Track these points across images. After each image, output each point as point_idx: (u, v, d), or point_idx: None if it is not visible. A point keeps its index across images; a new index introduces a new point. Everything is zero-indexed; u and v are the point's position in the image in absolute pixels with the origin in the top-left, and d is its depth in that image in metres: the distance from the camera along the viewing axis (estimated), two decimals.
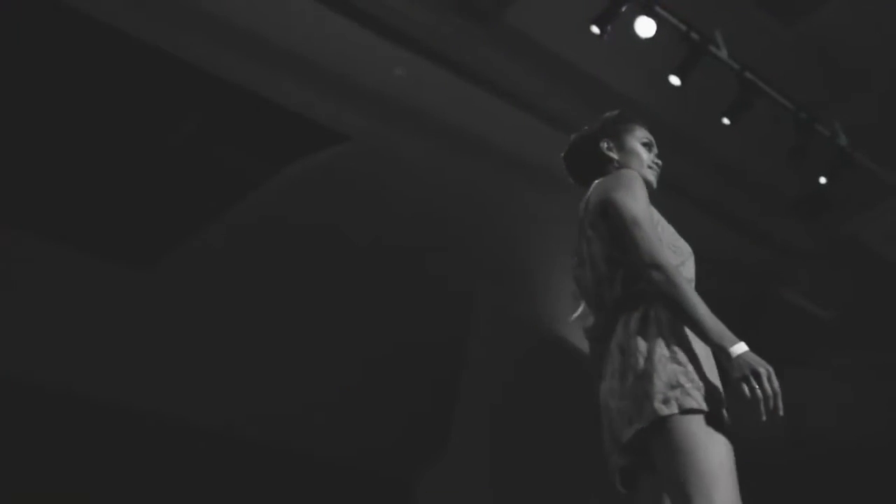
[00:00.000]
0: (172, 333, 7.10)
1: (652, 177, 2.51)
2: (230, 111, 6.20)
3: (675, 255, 2.29)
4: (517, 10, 5.67)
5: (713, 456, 1.99)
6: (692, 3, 5.48)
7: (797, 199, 6.73)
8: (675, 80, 5.42)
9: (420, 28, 5.70)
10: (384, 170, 6.32)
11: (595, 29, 5.19)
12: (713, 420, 2.02)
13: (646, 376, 2.08)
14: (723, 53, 5.55)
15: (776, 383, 1.98)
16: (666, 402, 2.02)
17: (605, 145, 2.55)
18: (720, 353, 2.03)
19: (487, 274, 7.17)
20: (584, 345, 7.28)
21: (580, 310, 2.49)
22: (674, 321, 2.12)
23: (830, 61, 5.88)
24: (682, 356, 2.09)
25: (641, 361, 2.11)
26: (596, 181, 2.43)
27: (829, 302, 7.74)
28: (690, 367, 2.07)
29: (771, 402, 1.97)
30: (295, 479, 8.05)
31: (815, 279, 7.32)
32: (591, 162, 2.56)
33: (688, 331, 2.12)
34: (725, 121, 5.65)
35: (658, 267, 2.09)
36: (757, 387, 1.97)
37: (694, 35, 5.41)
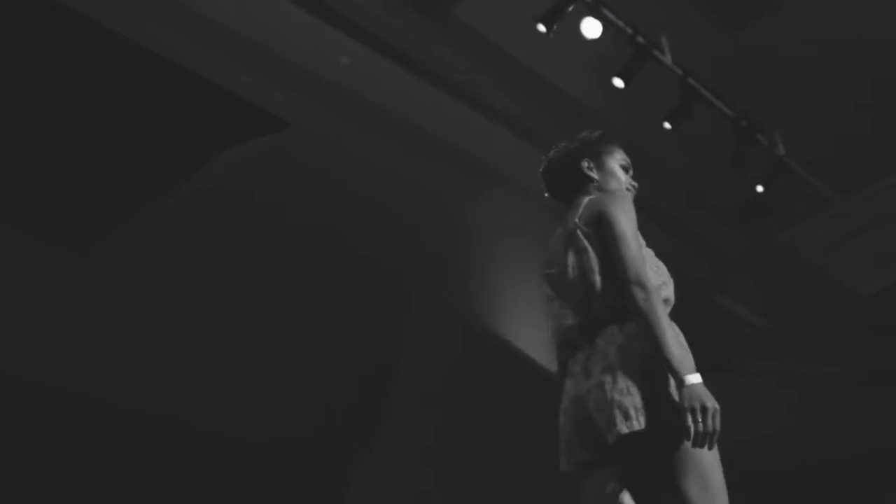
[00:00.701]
0: (107, 317, 6.98)
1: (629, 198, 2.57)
2: (172, 93, 6.11)
3: (657, 274, 2.39)
4: (466, 6, 5.68)
5: (714, 464, 2.14)
6: (639, 6, 5.53)
7: (734, 206, 6.83)
8: (618, 82, 5.46)
9: (369, 18, 5.68)
10: (325, 158, 6.27)
11: (541, 27, 5.21)
12: None
13: (655, 379, 2.18)
14: (667, 59, 5.61)
15: (718, 422, 2.06)
16: (674, 409, 2.12)
17: (585, 164, 2.64)
18: (675, 379, 2.11)
19: (425, 265, 7.16)
20: (516, 339, 7.34)
21: (555, 311, 2.61)
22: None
23: (770, 72, 5.96)
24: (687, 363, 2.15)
25: (650, 364, 2.20)
26: (588, 198, 2.53)
27: (763, 310, 7.87)
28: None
29: (708, 439, 2.06)
30: (225, 467, 7.95)
31: (750, 287, 7.44)
32: (570, 179, 2.67)
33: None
34: (667, 125, 5.71)
35: (640, 285, 2.20)
36: (700, 421, 2.05)
37: (639, 39, 5.45)
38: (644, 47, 5.44)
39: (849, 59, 5.94)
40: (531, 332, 7.84)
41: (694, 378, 2.08)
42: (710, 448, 2.07)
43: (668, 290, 2.42)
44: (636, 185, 2.68)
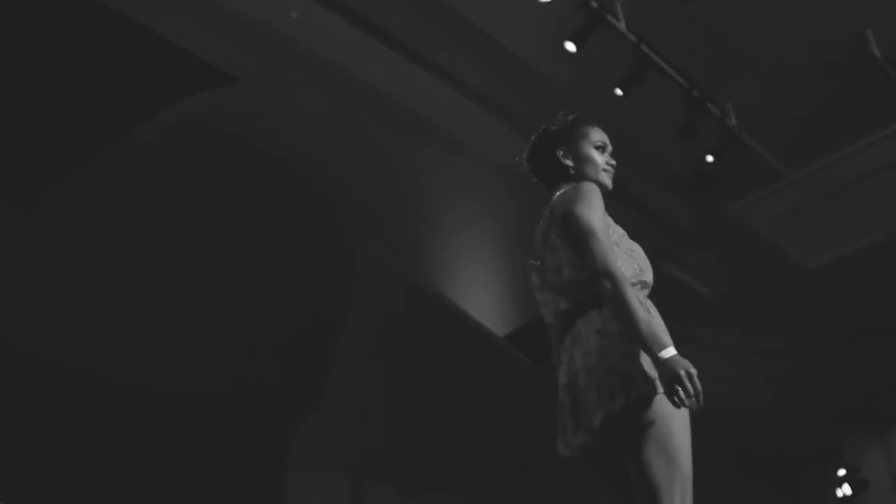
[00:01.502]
0: (48, 273, 6.85)
1: (607, 179, 2.70)
2: (119, 47, 5.94)
3: (632, 258, 2.52)
4: None
5: (679, 436, 2.25)
6: None
7: (685, 176, 6.83)
8: (570, 46, 5.40)
9: None
10: (273, 114, 6.15)
11: None
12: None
13: (631, 357, 2.31)
14: (621, 25, 5.55)
15: (698, 384, 2.16)
16: (647, 380, 2.26)
17: (560, 153, 2.71)
18: (651, 358, 2.22)
19: (373, 225, 7.09)
20: (463, 301, 7.30)
21: (542, 300, 2.69)
22: (654, 312, 2.40)
23: (724, 43, 5.93)
24: (659, 339, 2.25)
25: (624, 344, 2.33)
26: (559, 193, 2.63)
27: (711, 280, 7.92)
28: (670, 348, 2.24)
29: (695, 400, 2.17)
30: (169, 427, 7.90)
31: (698, 256, 7.47)
32: (548, 168, 2.74)
33: (656, 318, 2.38)
34: (618, 92, 5.67)
35: (608, 276, 2.31)
36: (681, 387, 2.14)
37: (593, 3, 5.39)
38: (597, 12, 5.37)
39: (803, 33, 5.92)
40: (478, 294, 7.83)
41: (668, 352, 2.19)
42: (698, 405, 2.19)
43: (646, 274, 2.54)
44: (613, 163, 2.73)
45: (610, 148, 2.76)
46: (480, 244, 7.63)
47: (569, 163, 2.69)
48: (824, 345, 9.11)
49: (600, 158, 2.71)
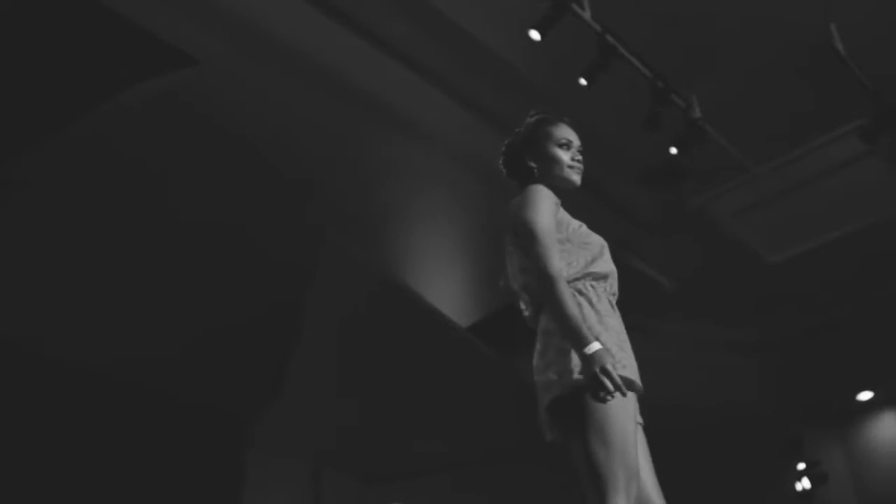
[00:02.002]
0: (9, 248, 6.74)
1: (574, 175, 2.74)
2: (80, 27, 5.82)
3: (585, 250, 2.58)
4: None
5: (617, 424, 2.29)
6: None
7: (649, 168, 6.82)
8: (535, 34, 5.35)
9: None
10: (235, 97, 6.07)
11: None
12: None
13: (565, 353, 2.39)
14: (586, 14, 5.51)
15: (616, 378, 2.23)
16: (577, 374, 2.33)
17: (526, 155, 2.76)
18: (578, 354, 2.32)
19: (334, 211, 7.03)
20: (426, 293, 7.25)
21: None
22: (587, 309, 2.46)
23: (689, 35, 5.91)
24: (608, 335, 2.41)
25: (559, 340, 2.42)
26: (513, 201, 2.69)
27: (673, 272, 7.92)
28: (607, 342, 2.36)
29: (618, 390, 2.24)
30: (130, 412, 7.82)
31: (661, 248, 7.47)
32: (518, 171, 2.79)
33: (595, 314, 2.45)
34: (583, 82, 5.63)
35: (545, 278, 2.42)
36: (605, 379, 2.22)
37: None
38: (562, 1, 5.32)
39: (768, 27, 5.92)
40: (442, 285, 7.79)
41: (591, 348, 2.26)
42: (624, 395, 2.27)
43: (598, 265, 2.58)
44: (579, 159, 2.75)
45: (577, 143, 2.76)
46: (444, 234, 7.59)
47: (533, 165, 2.73)
48: (786, 339, 9.17)
49: (565, 156, 2.73)
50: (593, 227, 2.76)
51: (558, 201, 2.69)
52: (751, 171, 7.03)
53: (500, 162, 2.88)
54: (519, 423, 4.93)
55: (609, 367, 2.22)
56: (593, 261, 2.58)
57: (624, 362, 2.39)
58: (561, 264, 2.48)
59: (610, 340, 2.40)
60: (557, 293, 2.38)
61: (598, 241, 2.64)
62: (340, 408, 8.00)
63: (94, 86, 6.13)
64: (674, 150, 6.20)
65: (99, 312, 7.25)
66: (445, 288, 7.92)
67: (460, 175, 6.81)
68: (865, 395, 10.63)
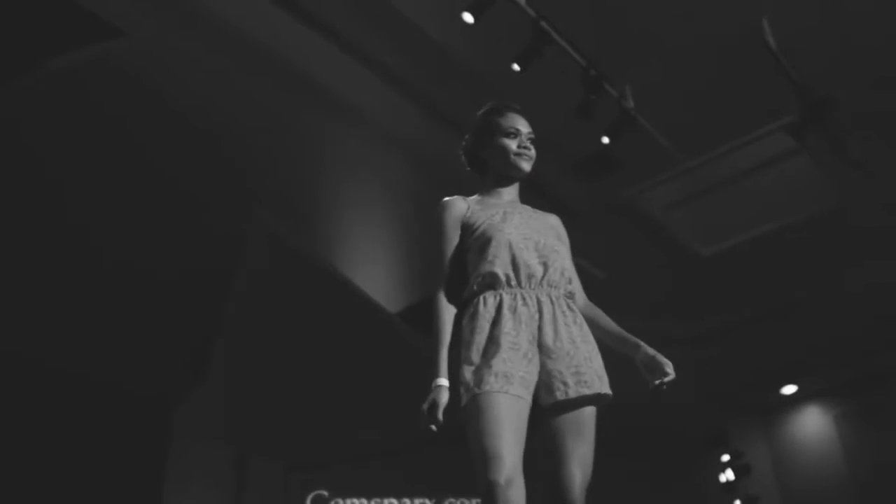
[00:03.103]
0: None
1: (522, 162, 2.81)
2: None
3: (482, 255, 2.65)
4: None
5: (481, 434, 2.39)
6: None
7: (581, 157, 6.80)
8: (468, 17, 5.28)
9: None
10: (161, 74, 5.90)
11: None
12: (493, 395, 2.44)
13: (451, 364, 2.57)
14: None
15: (436, 413, 2.46)
16: (466, 389, 2.48)
17: (477, 148, 2.87)
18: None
19: (265, 193, 6.90)
20: (356, 277, 7.11)
21: None
22: (477, 328, 2.57)
23: (624, 25, 5.89)
24: (465, 353, 2.54)
25: (450, 353, 2.60)
26: None
27: (604, 263, 7.93)
28: (464, 367, 2.52)
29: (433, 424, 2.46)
30: (47, 395, 7.64)
31: (591, 239, 7.46)
32: (475, 164, 2.92)
33: (471, 331, 2.56)
34: (515, 67, 5.58)
35: (433, 298, 2.65)
36: (427, 415, 2.47)
37: None
38: None
39: (702, 20, 5.92)
40: (372, 270, 7.71)
41: (436, 383, 2.51)
42: (433, 428, 2.48)
43: (497, 265, 2.63)
44: (527, 146, 2.82)
45: (525, 131, 2.83)
46: (375, 219, 7.50)
47: (485, 157, 2.84)
48: (713, 332, 9.27)
49: (512, 144, 2.79)
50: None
51: (476, 200, 2.82)
52: (682, 164, 7.05)
53: (461, 156, 2.95)
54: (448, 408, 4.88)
55: (436, 404, 2.45)
56: (485, 267, 2.63)
57: (472, 384, 2.48)
58: (454, 286, 2.69)
59: (466, 360, 2.54)
60: (437, 316, 2.63)
61: (496, 242, 2.66)
62: (266, 393, 7.87)
63: (16, 55, 5.92)
64: (606, 140, 6.18)
65: (14, 294, 7.05)
66: (375, 274, 7.83)
67: (393, 160, 6.72)
68: (790, 389, 10.82)
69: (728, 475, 10.34)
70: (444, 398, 2.47)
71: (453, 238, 2.73)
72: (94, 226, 6.82)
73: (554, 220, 2.94)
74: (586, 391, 2.53)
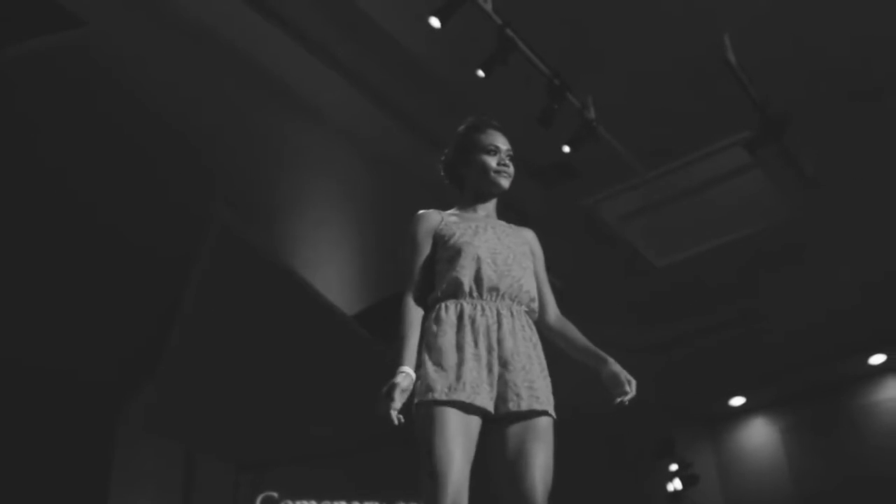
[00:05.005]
0: None
1: (501, 179, 2.87)
2: None
3: (450, 264, 2.70)
4: None
5: (430, 437, 2.45)
6: None
7: (541, 165, 6.85)
8: (434, 21, 5.30)
9: None
10: (123, 66, 5.84)
11: None
12: (447, 403, 2.50)
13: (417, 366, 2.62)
14: (487, 6, 5.49)
15: (391, 396, 2.47)
16: (427, 389, 2.53)
17: (457, 164, 2.91)
18: None
19: (224, 190, 6.86)
20: (313, 278, 7.07)
21: None
22: (440, 332, 2.63)
23: (587, 36, 5.95)
24: (428, 354, 2.60)
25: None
26: None
27: (561, 272, 7.99)
28: (428, 366, 2.57)
29: (390, 407, 2.46)
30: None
31: (548, 247, 7.52)
32: (454, 180, 2.96)
33: (433, 335, 2.62)
34: (480, 73, 5.61)
35: (400, 301, 2.71)
36: (383, 399, 2.47)
37: None
38: None
39: (665, 35, 6.00)
40: (329, 271, 7.70)
41: (399, 371, 2.52)
42: (393, 424, 2.49)
43: (463, 272, 2.68)
44: (506, 164, 2.88)
45: (505, 148, 2.89)
46: (334, 220, 7.49)
47: (464, 174, 2.89)
48: (664, 342, 9.38)
49: (492, 162, 2.84)
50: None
51: (452, 214, 2.88)
52: (640, 175, 7.14)
53: (441, 171, 2.99)
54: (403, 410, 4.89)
55: (395, 386, 2.47)
56: (451, 277, 2.69)
57: (436, 386, 2.52)
58: (420, 293, 2.75)
59: (430, 361, 2.58)
60: (400, 321, 2.68)
61: (464, 254, 2.71)
62: (217, 391, 7.82)
63: None
64: (566, 149, 6.24)
65: None
66: (332, 275, 7.82)
67: (353, 162, 6.72)
68: (738, 401, 10.98)
69: (676, 484, 10.45)
70: (406, 383, 2.50)
71: (424, 248, 2.79)
72: (49, 214, 6.74)
73: (529, 236, 3.00)
74: (537, 406, 2.57)
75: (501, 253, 2.75)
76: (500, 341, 2.62)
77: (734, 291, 8.87)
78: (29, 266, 7.04)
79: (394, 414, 2.45)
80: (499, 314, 2.66)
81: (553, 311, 2.90)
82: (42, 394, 7.79)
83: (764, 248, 8.15)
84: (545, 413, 2.59)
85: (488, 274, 2.69)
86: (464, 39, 5.52)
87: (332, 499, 8.89)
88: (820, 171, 7.05)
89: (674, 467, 10.53)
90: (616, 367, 2.73)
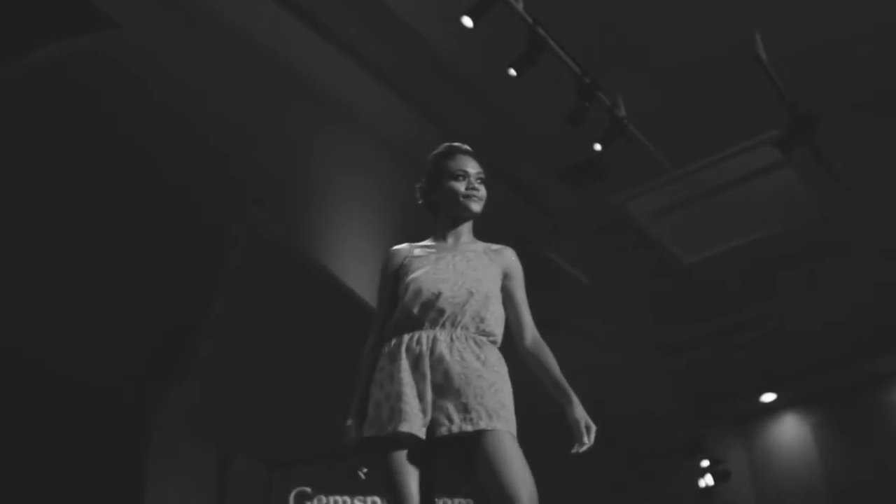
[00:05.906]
0: None
1: (472, 203, 2.83)
2: None
3: (415, 298, 2.72)
4: None
5: (386, 470, 2.59)
6: None
7: (572, 164, 6.87)
8: (467, 21, 5.33)
9: None
10: (155, 66, 5.91)
11: None
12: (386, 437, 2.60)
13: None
14: (519, 5, 5.51)
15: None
16: (371, 423, 2.66)
17: (430, 192, 2.91)
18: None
19: (257, 189, 6.92)
20: (346, 277, 7.12)
21: None
22: (380, 368, 2.73)
23: (618, 35, 5.96)
24: (372, 393, 2.70)
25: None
26: None
27: (591, 269, 8.01)
28: (371, 402, 2.69)
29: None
30: (25, 390, 7.61)
31: (579, 244, 7.54)
32: (429, 206, 2.96)
33: (380, 367, 2.72)
34: (512, 72, 5.64)
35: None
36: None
37: None
38: None
39: (696, 32, 6.00)
40: (358, 268, 7.73)
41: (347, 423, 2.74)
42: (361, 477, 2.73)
43: (407, 309, 2.73)
44: (475, 188, 2.83)
45: (474, 172, 2.84)
46: (364, 218, 7.53)
47: (435, 199, 2.90)
48: (695, 339, 9.35)
49: (461, 187, 2.83)
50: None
51: (421, 245, 2.91)
52: (670, 173, 7.14)
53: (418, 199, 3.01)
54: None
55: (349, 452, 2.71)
56: (398, 312, 2.76)
57: (376, 422, 2.63)
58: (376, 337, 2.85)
59: (373, 398, 2.69)
60: (360, 363, 2.82)
61: (413, 288, 2.74)
62: (249, 390, 7.88)
63: (7, 42, 5.91)
64: (598, 147, 6.25)
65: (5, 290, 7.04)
66: (363, 271, 7.85)
67: (386, 162, 6.77)
68: (769, 397, 10.94)
69: (707, 481, 10.44)
70: (350, 436, 2.72)
71: (387, 286, 2.87)
72: (80, 218, 6.81)
73: (507, 258, 2.93)
74: (469, 428, 2.55)
75: (449, 280, 2.74)
76: (432, 367, 2.64)
77: (764, 288, 8.84)
78: (64, 273, 7.11)
79: (359, 473, 2.71)
80: (434, 341, 2.68)
81: (530, 335, 2.87)
82: (79, 398, 7.86)
83: (793, 244, 8.12)
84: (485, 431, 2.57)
85: (434, 304, 2.71)
86: (495, 39, 5.54)
87: (365, 494, 8.97)
88: (847, 169, 7.02)
89: (705, 463, 10.52)
90: (578, 411, 2.71)
